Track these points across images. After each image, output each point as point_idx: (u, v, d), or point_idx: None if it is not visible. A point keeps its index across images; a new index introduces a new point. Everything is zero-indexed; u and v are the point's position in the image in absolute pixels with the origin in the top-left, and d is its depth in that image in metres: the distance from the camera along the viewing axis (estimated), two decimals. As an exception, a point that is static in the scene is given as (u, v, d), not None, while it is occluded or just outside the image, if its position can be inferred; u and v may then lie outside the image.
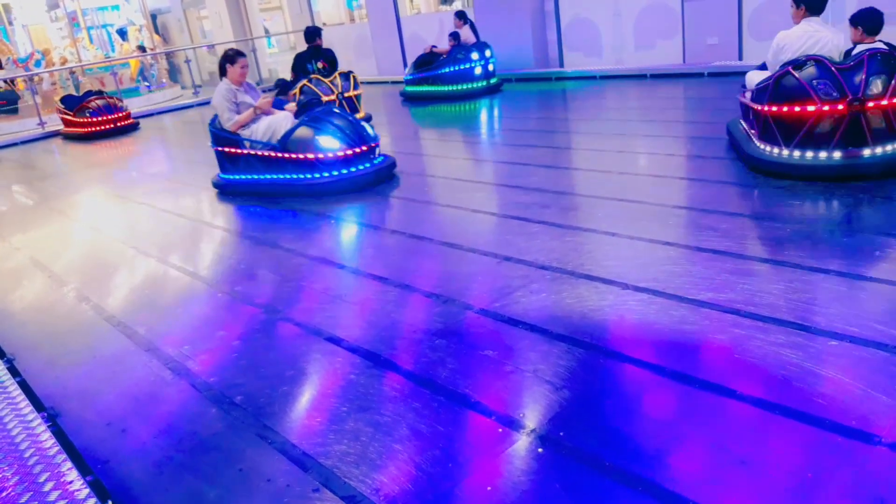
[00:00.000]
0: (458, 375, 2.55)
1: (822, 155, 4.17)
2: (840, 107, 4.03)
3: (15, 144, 11.82)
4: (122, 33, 18.56)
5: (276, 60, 18.49)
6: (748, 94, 4.78)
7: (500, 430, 2.20)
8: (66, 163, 9.97)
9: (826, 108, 4.07)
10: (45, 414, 2.63)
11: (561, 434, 2.13)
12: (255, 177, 5.82)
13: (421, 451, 2.13)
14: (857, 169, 4.09)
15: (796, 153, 4.25)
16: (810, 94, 4.10)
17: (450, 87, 9.98)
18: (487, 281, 3.43)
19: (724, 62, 9.17)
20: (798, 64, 4.20)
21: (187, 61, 16.60)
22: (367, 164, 5.60)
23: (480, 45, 10.01)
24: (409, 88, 10.53)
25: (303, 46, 8.93)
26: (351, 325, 3.13)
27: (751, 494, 1.79)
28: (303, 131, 5.53)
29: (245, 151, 5.77)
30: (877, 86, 3.98)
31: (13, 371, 3.04)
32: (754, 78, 4.75)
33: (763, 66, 4.82)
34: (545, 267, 3.46)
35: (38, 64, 17.42)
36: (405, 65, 13.41)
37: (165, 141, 10.64)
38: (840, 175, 4.12)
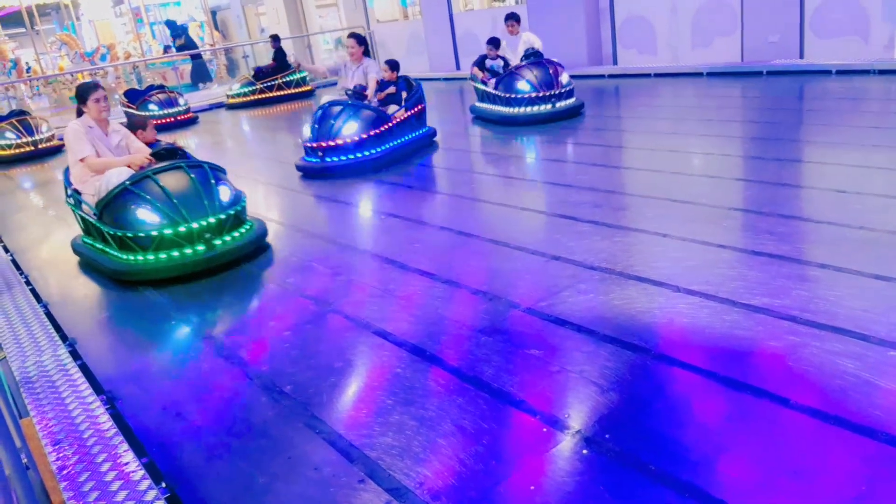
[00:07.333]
0: (503, 373, 2.56)
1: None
2: None
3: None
4: (184, 29, 19.07)
5: (331, 56, 18.70)
6: None
7: (545, 429, 2.19)
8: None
9: None
10: (104, 397, 2.74)
11: (606, 436, 2.12)
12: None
13: (464, 448, 2.14)
14: None
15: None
16: None
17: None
18: (535, 279, 3.42)
19: (785, 60, 8.90)
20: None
21: (245, 57, 16.96)
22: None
23: None
24: None
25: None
26: (398, 319, 3.16)
27: (801, 505, 1.75)
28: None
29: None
30: None
31: (75, 355, 3.17)
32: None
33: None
34: (594, 267, 3.43)
35: (103, 58, 18.05)
36: (457, 61, 13.42)
37: (222, 134, 10.89)
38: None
